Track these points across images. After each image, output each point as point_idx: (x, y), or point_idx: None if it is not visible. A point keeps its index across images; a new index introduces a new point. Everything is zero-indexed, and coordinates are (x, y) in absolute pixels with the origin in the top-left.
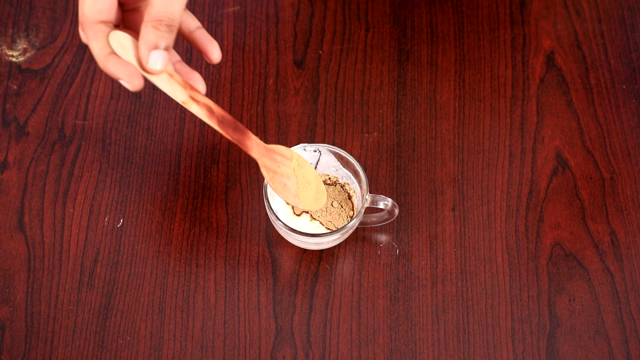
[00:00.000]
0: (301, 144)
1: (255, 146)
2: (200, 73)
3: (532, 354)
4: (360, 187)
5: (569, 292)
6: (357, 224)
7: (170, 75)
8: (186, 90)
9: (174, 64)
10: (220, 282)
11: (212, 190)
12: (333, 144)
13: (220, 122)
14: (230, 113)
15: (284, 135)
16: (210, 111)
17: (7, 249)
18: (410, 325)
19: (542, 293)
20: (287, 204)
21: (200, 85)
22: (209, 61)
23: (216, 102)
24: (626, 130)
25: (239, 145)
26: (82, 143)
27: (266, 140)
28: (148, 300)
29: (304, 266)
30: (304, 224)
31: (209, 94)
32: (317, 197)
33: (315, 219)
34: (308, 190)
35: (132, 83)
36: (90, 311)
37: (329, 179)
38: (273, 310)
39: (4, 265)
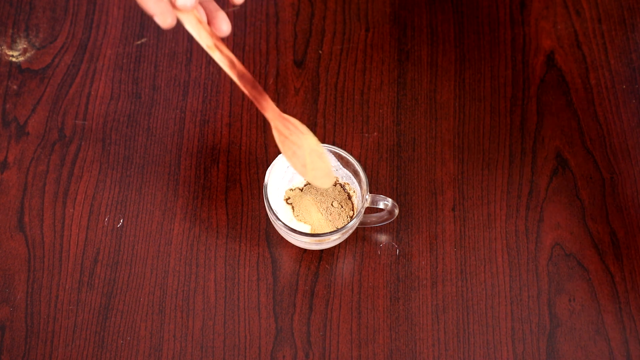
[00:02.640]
0: None
1: (270, 108)
2: (201, 73)
3: (532, 354)
4: (360, 187)
5: (569, 292)
6: (357, 224)
7: (200, 22)
8: (212, 38)
9: (200, 2)
10: (220, 282)
11: (212, 190)
12: (333, 144)
13: (240, 76)
14: (230, 113)
15: None
16: (232, 63)
17: (7, 249)
18: (410, 325)
19: (542, 293)
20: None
21: (225, 24)
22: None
23: (216, 102)
24: (626, 130)
25: (255, 102)
26: (82, 143)
27: (266, 140)
28: (148, 300)
29: (304, 266)
30: (304, 224)
31: (208, 95)
32: (325, 175)
33: (305, 222)
34: (319, 163)
35: (164, 20)
36: (90, 311)
37: None
38: (273, 310)
39: (4, 265)
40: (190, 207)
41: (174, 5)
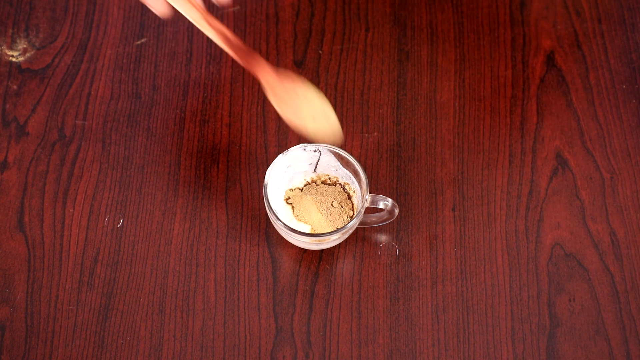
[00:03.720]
0: (301, 144)
1: (265, 74)
2: (201, 73)
3: (532, 354)
4: (360, 187)
5: (569, 292)
6: (357, 224)
7: None
8: (199, 12)
9: None
10: (220, 282)
11: (212, 190)
12: (333, 144)
13: (234, 46)
14: (230, 113)
15: (284, 135)
16: (223, 35)
17: (7, 249)
18: (410, 325)
19: (542, 293)
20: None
21: None
22: None
23: (216, 102)
24: (626, 130)
25: (249, 68)
26: (82, 143)
27: (266, 140)
28: (148, 300)
29: (304, 266)
30: (304, 224)
31: (208, 95)
32: (331, 133)
33: (305, 223)
34: (322, 121)
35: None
36: (90, 311)
37: (329, 179)
38: (273, 310)
39: (4, 265)
40: (190, 207)
41: None
